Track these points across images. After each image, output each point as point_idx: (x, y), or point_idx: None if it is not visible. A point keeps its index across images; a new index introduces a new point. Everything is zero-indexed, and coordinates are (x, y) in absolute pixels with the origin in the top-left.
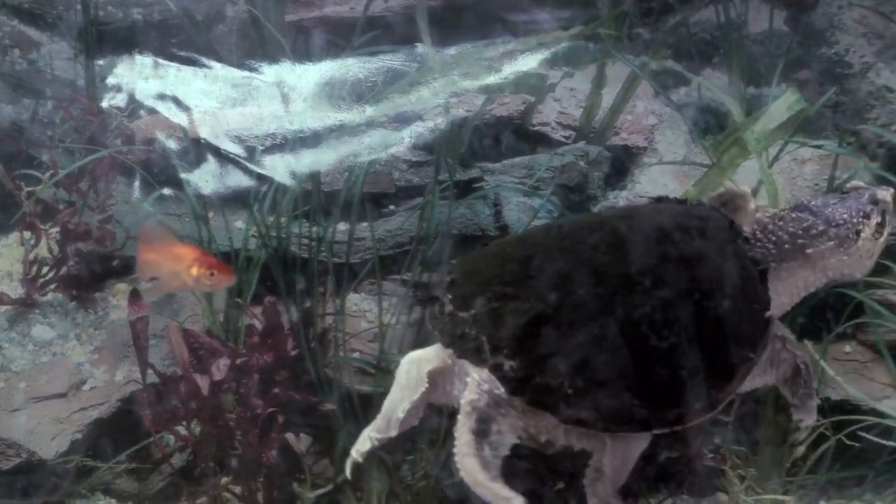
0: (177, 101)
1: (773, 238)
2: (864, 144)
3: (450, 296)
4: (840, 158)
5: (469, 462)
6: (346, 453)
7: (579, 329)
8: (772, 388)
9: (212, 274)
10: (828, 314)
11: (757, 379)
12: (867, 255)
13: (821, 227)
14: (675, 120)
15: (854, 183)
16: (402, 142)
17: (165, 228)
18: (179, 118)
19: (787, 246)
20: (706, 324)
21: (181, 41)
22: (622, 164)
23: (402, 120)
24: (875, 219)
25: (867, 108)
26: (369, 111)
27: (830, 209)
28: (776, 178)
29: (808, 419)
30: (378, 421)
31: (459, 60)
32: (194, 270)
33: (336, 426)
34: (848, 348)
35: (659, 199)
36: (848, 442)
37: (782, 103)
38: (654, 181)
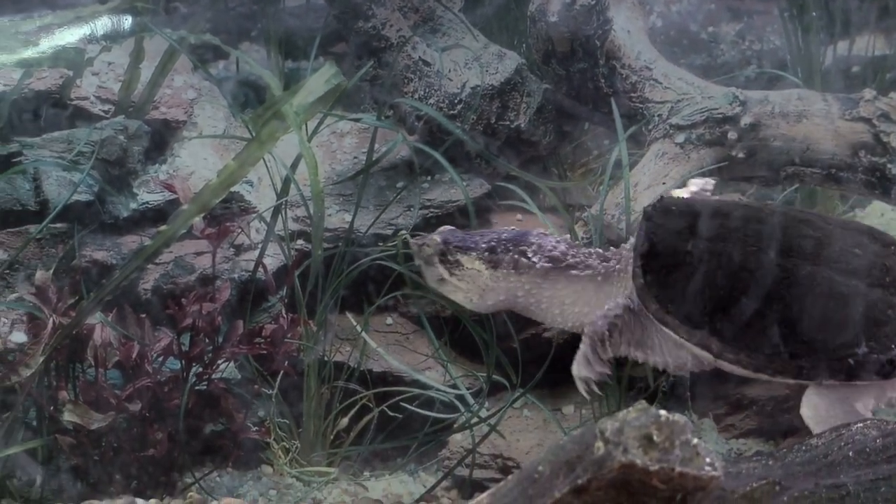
0: None
1: None
2: (403, 118)
3: None
4: (379, 131)
5: None
6: None
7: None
8: None
9: None
10: (369, 286)
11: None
12: None
13: None
14: (215, 94)
15: None
16: None
17: None
18: None
19: None
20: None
21: None
22: (162, 139)
23: None
24: None
25: (405, 81)
26: None
27: None
28: (316, 151)
29: None
30: None
31: None
32: None
33: None
34: (389, 320)
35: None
36: (391, 413)
37: (320, 77)
38: (195, 154)
